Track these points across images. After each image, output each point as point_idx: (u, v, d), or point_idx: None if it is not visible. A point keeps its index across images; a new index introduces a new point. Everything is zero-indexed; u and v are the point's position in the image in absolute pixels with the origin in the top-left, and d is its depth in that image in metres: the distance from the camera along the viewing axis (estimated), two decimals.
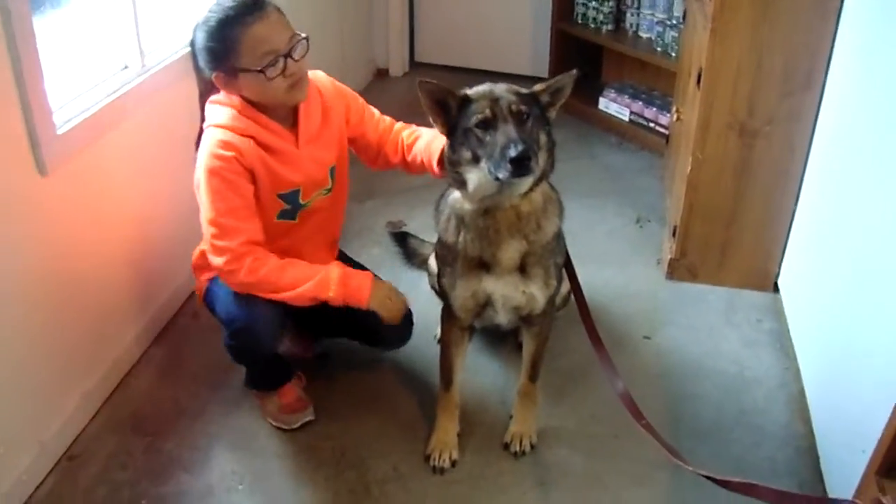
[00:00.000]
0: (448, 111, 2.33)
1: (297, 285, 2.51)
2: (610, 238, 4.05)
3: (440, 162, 2.59)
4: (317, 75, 2.70)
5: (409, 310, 2.83)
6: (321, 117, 2.66)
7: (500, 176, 2.19)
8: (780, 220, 3.46)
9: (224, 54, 2.41)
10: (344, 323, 2.81)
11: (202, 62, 2.48)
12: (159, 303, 3.30)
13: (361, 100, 2.83)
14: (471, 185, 2.32)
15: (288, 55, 2.41)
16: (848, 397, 2.59)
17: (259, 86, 2.44)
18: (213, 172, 2.46)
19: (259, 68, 2.39)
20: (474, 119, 2.25)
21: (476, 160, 2.26)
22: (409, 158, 2.77)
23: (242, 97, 2.50)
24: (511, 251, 2.43)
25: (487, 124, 2.24)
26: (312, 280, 2.52)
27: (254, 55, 2.39)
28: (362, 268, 2.86)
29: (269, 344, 2.64)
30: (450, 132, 2.35)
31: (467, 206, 2.40)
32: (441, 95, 2.32)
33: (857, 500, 1.62)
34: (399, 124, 2.85)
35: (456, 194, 2.44)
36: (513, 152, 2.14)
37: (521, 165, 2.15)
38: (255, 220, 2.52)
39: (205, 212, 2.48)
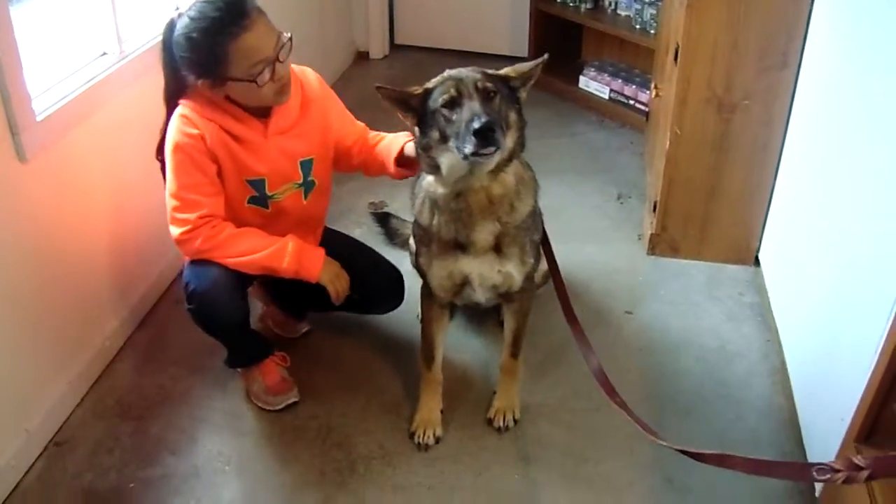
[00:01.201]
0: (412, 107, 2.34)
1: (252, 252, 2.55)
2: (591, 215, 4.07)
3: (397, 161, 2.66)
4: (304, 72, 2.71)
5: (399, 271, 2.92)
6: (299, 110, 2.66)
7: (466, 150, 2.18)
8: (760, 194, 3.48)
9: (212, 65, 2.40)
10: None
11: (185, 69, 2.45)
12: (142, 289, 3.31)
13: (344, 108, 2.86)
14: (444, 168, 2.33)
15: (276, 59, 2.42)
16: (828, 368, 2.62)
17: (248, 92, 2.45)
18: (177, 148, 2.48)
19: (250, 78, 2.39)
20: (440, 100, 2.26)
21: (444, 140, 2.27)
22: (369, 158, 2.82)
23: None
24: (484, 233, 2.44)
25: (454, 103, 2.24)
26: (268, 249, 2.57)
27: (244, 66, 2.38)
28: (344, 237, 3.02)
29: (227, 308, 2.63)
30: (419, 122, 2.35)
31: (440, 189, 2.41)
32: (400, 97, 2.33)
33: (830, 462, 1.64)
34: (368, 132, 2.89)
35: (430, 178, 2.45)
36: (476, 124, 2.14)
37: (485, 137, 2.15)
38: (217, 197, 2.55)
39: (169, 185, 2.52)
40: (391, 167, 2.73)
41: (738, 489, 2.56)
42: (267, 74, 2.40)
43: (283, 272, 2.59)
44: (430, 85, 2.33)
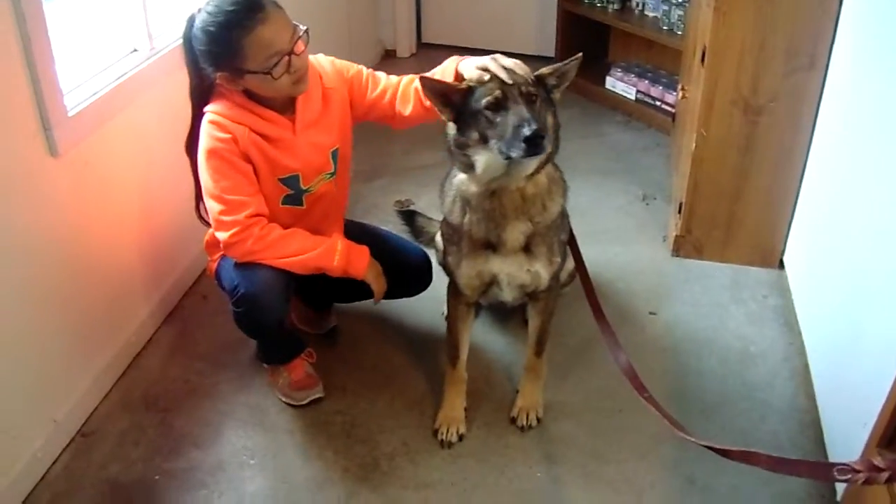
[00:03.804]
0: (452, 102, 2.33)
1: (303, 252, 2.58)
2: (616, 215, 4.07)
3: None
4: (318, 59, 2.71)
5: (426, 253, 2.96)
6: (321, 102, 2.68)
7: (514, 155, 2.20)
8: (785, 196, 3.47)
9: (228, 58, 2.43)
10: (358, 285, 2.78)
11: (204, 62, 2.48)
12: (169, 284, 3.34)
13: (365, 71, 2.81)
14: (479, 167, 2.33)
15: (291, 51, 2.44)
16: (851, 371, 2.62)
17: (265, 84, 2.46)
18: (212, 153, 2.50)
19: (266, 70, 2.41)
20: (484, 101, 2.25)
21: (485, 141, 2.27)
22: (426, 103, 2.63)
23: (243, 90, 2.54)
24: (516, 233, 2.45)
25: (498, 105, 2.24)
26: (318, 249, 2.60)
27: (260, 58, 2.41)
28: (364, 226, 3.08)
29: (274, 311, 2.65)
30: (456, 118, 2.34)
31: (473, 188, 2.42)
32: (443, 90, 2.33)
33: (850, 462, 1.65)
34: (405, 79, 2.78)
35: (461, 176, 2.46)
36: (527, 131, 2.15)
37: (534, 144, 2.16)
38: (259, 195, 2.57)
39: (209, 190, 2.52)
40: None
41: (758, 491, 2.56)
42: (282, 67, 2.42)
43: (333, 271, 2.62)
44: (471, 82, 2.33)
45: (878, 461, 1.60)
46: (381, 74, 2.82)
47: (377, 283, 2.74)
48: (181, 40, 2.53)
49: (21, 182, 2.44)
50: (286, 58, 2.42)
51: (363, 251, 2.70)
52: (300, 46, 2.46)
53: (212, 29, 2.40)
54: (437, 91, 2.34)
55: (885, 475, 1.59)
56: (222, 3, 2.41)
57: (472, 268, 2.55)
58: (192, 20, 2.48)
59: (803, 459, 1.93)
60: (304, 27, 2.48)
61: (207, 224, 2.66)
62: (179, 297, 3.42)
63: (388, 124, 2.85)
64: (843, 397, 2.66)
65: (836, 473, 1.66)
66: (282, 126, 2.59)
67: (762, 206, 3.51)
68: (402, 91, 2.74)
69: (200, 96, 2.59)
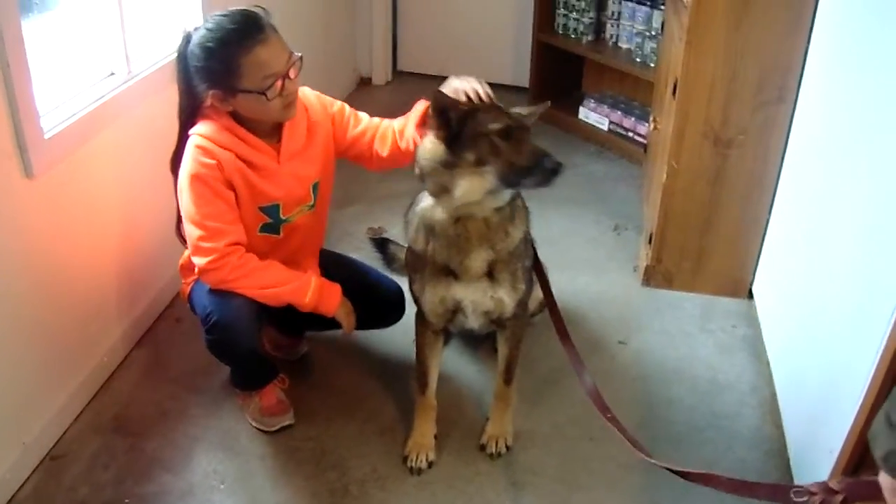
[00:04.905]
0: (449, 120, 2.33)
1: (277, 285, 2.59)
2: (588, 245, 4.10)
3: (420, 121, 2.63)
4: (303, 92, 2.73)
5: (399, 285, 2.95)
6: (306, 134, 2.70)
7: (528, 185, 2.32)
8: (755, 228, 3.52)
9: (224, 75, 2.44)
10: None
11: (198, 79, 2.49)
12: (142, 306, 3.33)
13: (348, 109, 2.84)
14: (459, 190, 2.33)
15: (286, 75, 2.47)
16: (817, 401, 2.65)
17: (257, 105, 2.49)
18: (195, 178, 2.50)
19: (261, 91, 2.44)
20: (494, 126, 2.29)
21: (480, 164, 2.29)
22: (402, 146, 2.73)
23: (230, 112, 2.55)
24: (479, 260, 2.48)
25: (507, 134, 2.29)
26: (291, 284, 2.62)
27: (255, 78, 2.43)
28: (340, 257, 3.09)
29: (246, 339, 2.66)
30: (449, 139, 2.34)
31: (438, 214, 2.44)
32: (449, 105, 2.34)
33: (807, 485, 1.67)
34: (385, 122, 2.82)
35: (426, 203, 2.48)
36: (549, 164, 2.26)
37: (556, 176, 2.28)
38: (238, 223, 2.58)
39: (189, 215, 2.52)
40: (410, 129, 2.68)
41: None
42: (276, 89, 2.45)
43: (304, 307, 2.64)
44: (467, 106, 2.36)
45: (833, 484, 1.63)
46: (362, 114, 2.86)
47: (347, 320, 2.76)
48: (175, 55, 2.54)
49: None
50: (280, 81, 2.45)
51: (335, 290, 2.72)
52: (294, 71, 2.50)
53: (210, 45, 2.43)
54: (442, 105, 2.33)
55: (839, 497, 1.61)
56: (223, 21, 2.44)
57: (435, 294, 2.57)
58: (188, 37, 2.49)
59: (762, 482, 1.95)
60: (299, 54, 2.51)
61: (186, 244, 2.66)
62: (153, 319, 3.42)
63: (362, 164, 2.89)
64: (810, 426, 2.69)
65: (792, 496, 1.69)
66: (267, 154, 2.61)
67: (732, 237, 3.55)
68: (381, 132, 2.78)
69: (189, 115, 2.59)
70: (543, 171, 2.26)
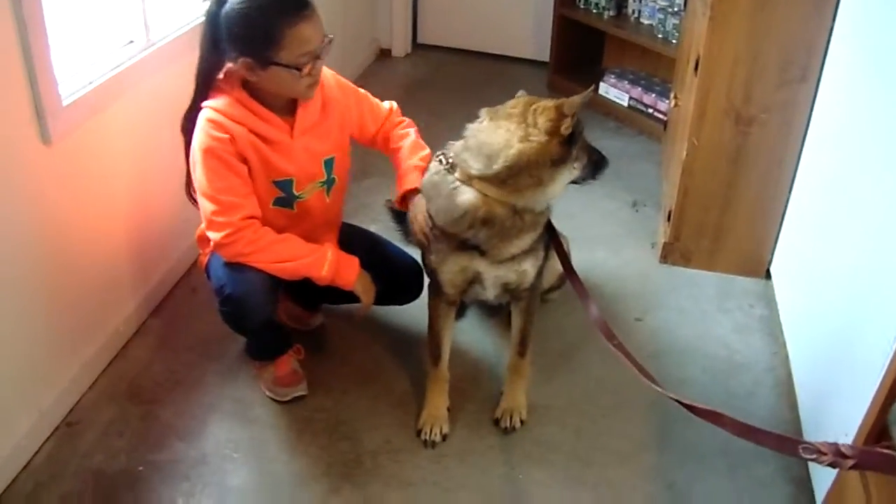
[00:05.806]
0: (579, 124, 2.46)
1: (293, 259, 2.58)
2: (605, 221, 4.09)
3: (402, 199, 2.77)
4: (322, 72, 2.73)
5: (418, 263, 2.90)
6: (320, 110, 2.69)
7: (591, 177, 2.61)
8: (774, 207, 3.50)
9: (262, 45, 2.41)
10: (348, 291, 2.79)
11: (230, 44, 2.45)
12: (158, 275, 3.33)
13: (365, 97, 2.89)
14: (558, 184, 2.46)
15: (319, 55, 2.47)
16: (833, 382, 2.64)
17: (285, 81, 2.47)
18: (208, 152, 2.49)
19: (296, 66, 2.43)
20: (581, 126, 2.46)
21: (577, 160, 2.49)
22: (391, 158, 2.91)
23: (244, 86, 2.54)
24: (519, 247, 2.52)
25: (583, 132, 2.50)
26: (308, 257, 2.61)
27: (294, 53, 2.41)
28: (358, 229, 3.11)
29: (259, 313, 2.66)
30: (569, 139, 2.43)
31: (498, 208, 2.42)
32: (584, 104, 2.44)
33: (817, 443, 1.65)
34: (393, 117, 2.94)
35: (469, 196, 2.44)
36: (600, 157, 2.61)
37: (605, 169, 2.65)
38: (252, 196, 2.57)
39: (203, 189, 2.51)
40: (398, 191, 2.80)
41: (737, 498, 2.58)
42: (308, 68, 2.44)
43: (321, 280, 2.63)
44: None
45: (844, 448, 1.61)
46: (374, 101, 2.94)
47: (366, 295, 2.74)
48: (204, 16, 2.51)
49: (13, 169, 2.44)
50: (313, 59, 2.45)
51: (353, 262, 2.70)
52: (326, 52, 2.49)
53: (251, 12, 2.39)
54: (576, 111, 2.42)
55: (849, 462, 1.60)
56: None
57: (456, 264, 2.57)
58: (221, 0, 2.45)
59: (770, 430, 1.91)
60: (331, 35, 2.50)
61: (197, 204, 2.63)
62: (169, 288, 3.42)
63: (362, 144, 2.98)
64: (825, 408, 2.67)
65: (801, 450, 1.67)
66: (280, 128, 2.59)
67: (751, 215, 3.53)
68: (390, 127, 2.94)
69: (207, 77, 2.57)
70: (597, 165, 2.58)
